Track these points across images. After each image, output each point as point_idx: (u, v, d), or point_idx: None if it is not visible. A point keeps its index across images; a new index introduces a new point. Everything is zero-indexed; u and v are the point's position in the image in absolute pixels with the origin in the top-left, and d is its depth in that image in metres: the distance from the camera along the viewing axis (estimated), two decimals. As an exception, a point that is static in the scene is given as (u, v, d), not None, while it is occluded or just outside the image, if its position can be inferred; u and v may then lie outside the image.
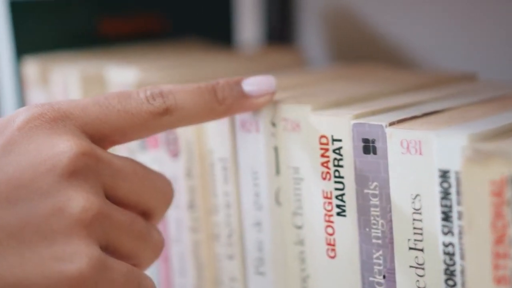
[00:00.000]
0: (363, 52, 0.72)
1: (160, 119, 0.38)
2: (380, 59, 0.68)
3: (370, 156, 0.39)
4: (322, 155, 0.42)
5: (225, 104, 0.40)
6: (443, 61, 0.64)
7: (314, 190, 0.42)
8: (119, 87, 0.53)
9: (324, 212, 0.42)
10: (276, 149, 0.44)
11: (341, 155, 0.41)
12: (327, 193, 0.42)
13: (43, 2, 0.63)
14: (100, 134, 0.37)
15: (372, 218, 0.40)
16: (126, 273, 0.35)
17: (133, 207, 0.37)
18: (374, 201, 0.40)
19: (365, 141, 0.39)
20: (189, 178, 0.48)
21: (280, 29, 0.78)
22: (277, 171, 0.44)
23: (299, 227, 0.44)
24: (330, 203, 0.42)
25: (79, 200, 0.34)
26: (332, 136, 0.41)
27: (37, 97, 0.58)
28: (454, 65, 0.63)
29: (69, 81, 0.56)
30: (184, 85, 0.40)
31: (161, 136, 0.49)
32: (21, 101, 0.61)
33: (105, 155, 0.36)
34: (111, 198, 0.36)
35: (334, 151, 0.41)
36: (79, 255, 0.33)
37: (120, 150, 0.54)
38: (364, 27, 0.71)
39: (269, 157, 0.44)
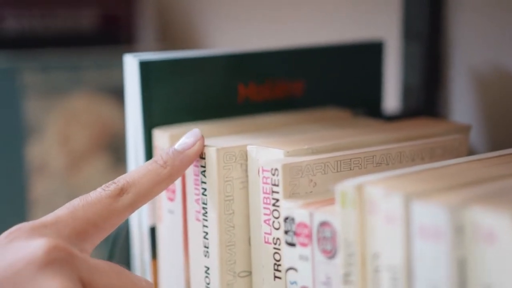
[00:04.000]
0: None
1: (120, 200, 0.45)
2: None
3: None
4: (528, 277, 0.34)
5: (168, 166, 0.47)
6: None
7: (513, 318, 0.34)
8: (264, 168, 0.46)
9: None
10: (462, 262, 0.36)
11: (554, 279, 0.33)
12: (531, 324, 0.34)
13: (175, 61, 0.57)
14: (75, 233, 0.43)
15: None
16: None
17: None
18: None
19: None
20: (347, 284, 0.41)
21: (424, 96, 0.71)
22: (463, 289, 0.36)
23: None
24: (535, 337, 0.33)
25: (56, 285, 0.38)
26: (542, 254, 0.33)
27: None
28: None
29: (206, 157, 0.50)
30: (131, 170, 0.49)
31: (314, 232, 0.42)
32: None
33: (80, 253, 0.41)
34: None
35: (544, 273, 0.33)
36: None
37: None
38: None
39: (453, 271, 0.36)
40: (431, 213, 0.37)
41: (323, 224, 0.42)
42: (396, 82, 0.73)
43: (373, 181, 0.40)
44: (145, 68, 0.55)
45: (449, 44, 0.69)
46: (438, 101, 0.71)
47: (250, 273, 0.50)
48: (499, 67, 0.66)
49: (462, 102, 0.69)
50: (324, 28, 0.81)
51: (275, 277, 0.46)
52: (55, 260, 0.39)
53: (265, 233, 0.46)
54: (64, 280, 0.39)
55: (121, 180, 0.46)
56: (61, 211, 0.44)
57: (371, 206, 0.39)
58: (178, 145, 0.49)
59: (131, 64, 0.56)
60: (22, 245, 0.40)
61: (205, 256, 0.50)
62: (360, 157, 0.48)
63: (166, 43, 1.05)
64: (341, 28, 0.79)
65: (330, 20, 0.80)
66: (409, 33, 0.70)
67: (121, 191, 0.45)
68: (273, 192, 0.46)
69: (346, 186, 0.40)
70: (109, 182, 0.46)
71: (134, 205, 0.46)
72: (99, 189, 0.45)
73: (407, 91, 0.71)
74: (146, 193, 0.46)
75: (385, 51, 0.66)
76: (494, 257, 0.35)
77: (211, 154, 0.49)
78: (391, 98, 0.74)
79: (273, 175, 0.45)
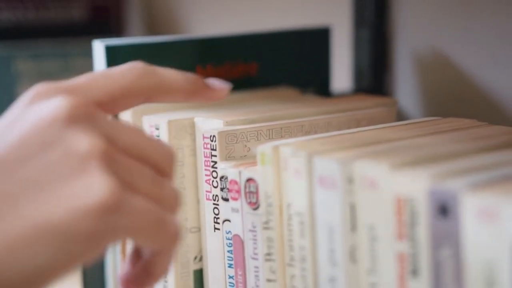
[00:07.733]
0: (462, 104, 0.70)
1: (142, 80, 0.43)
2: (481, 113, 0.67)
3: (445, 219, 0.39)
4: (397, 215, 0.41)
5: (194, 83, 0.45)
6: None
7: (388, 250, 0.42)
8: (205, 135, 0.54)
9: (398, 272, 0.42)
10: (352, 206, 0.44)
11: (416, 216, 0.40)
12: (401, 253, 0.41)
13: (139, 46, 0.65)
14: (94, 100, 0.40)
15: (445, 280, 0.39)
16: (150, 208, 0.37)
17: (140, 159, 0.39)
18: (448, 264, 0.39)
19: (440, 204, 0.39)
20: (267, 230, 0.49)
21: (372, 77, 0.78)
22: (353, 228, 0.44)
23: (374, 285, 0.43)
24: (403, 264, 0.41)
25: (83, 141, 0.36)
26: (407, 196, 0.41)
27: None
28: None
29: (160, 128, 0.57)
30: None
31: (242, 188, 0.50)
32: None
33: (101, 112, 0.39)
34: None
35: (409, 212, 0.41)
36: (97, 186, 0.35)
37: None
38: (464, 77, 0.70)
39: (345, 213, 0.44)
40: (327, 167, 0.44)
41: (249, 180, 0.50)
42: (347, 65, 0.80)
43: (287, 143, 0.48)
44: (111, 52, 0.63)
45: (394, 30, 0.77)
46: (384, 81, 0.78)
47: (199, 229, 0.58)
48: (437, 50, 0.73)
49: (405, 82, 0.76)
50: (285, 16, 0.89)
51: (215, 228, 0.54)
52: (79, 116, 0.37)
53: (206, 191, 0.54)
54: (92, 135, 0.37)
55: (149, 65, 0.45)
56: (83, 77, 0.42)
57: (284, 163, 0.47)
58: (208, 80, 0.47)
59: (98, 49, 0.63)
60: (43, 105, 0.38)
61: (161, 214, 0.58)
62: (290, 126, 0.56)
63: (154, 33, 1.11)
64: (299, 17, 0.86)
65: (291, 9, 0.88)
66: (358, 20, 0.78)
67: (147, 73, 0.43)
68: (212, 155, 0.53)
69: (265, 148, 0.48)
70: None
71: (153, 92, 0.44)
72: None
73: (357, 73, 0.79)
74: (167, 88, 0.44)
75: (331, 36, 0.74)
76: (376, 201, 0.43)
77: (163, 125, 0.57)
78: (344, 79, 0.81)
79: (212, 141, 0.53)
